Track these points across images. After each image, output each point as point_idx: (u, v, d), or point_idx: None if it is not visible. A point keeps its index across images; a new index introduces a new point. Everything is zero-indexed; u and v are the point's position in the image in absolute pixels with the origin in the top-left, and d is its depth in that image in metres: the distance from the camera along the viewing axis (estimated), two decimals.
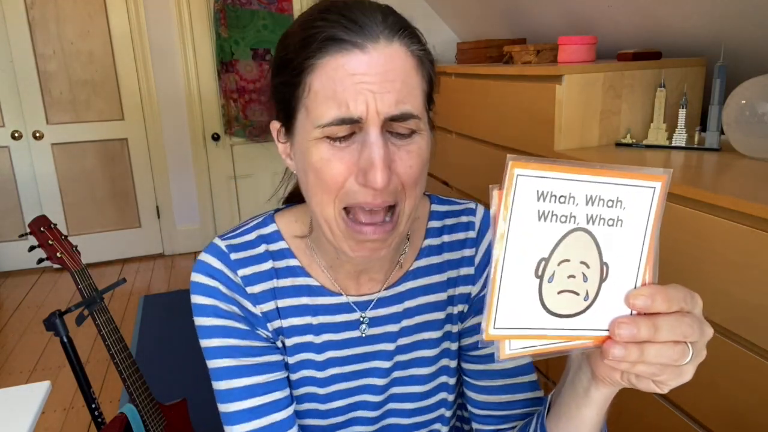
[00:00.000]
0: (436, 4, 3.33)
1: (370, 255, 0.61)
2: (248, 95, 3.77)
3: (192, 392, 1.99)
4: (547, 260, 0.41)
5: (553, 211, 0.41)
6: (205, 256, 0.68)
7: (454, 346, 0.75)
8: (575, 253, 0.42)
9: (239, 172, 3.92)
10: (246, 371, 0.66)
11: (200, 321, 0.66)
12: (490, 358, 0.72)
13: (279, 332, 0.70)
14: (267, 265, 0.69)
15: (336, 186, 0.57)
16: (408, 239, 0.73)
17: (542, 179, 0.40)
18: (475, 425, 0.74)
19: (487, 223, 0.75)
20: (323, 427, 0.74)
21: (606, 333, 0.43)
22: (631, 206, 0.42)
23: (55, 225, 1.44)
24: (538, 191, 0.40)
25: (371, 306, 0.71)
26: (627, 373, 0.45)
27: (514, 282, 0.41)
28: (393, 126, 0.56)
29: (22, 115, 3.48)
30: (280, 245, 0.70)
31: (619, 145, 1.60)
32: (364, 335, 0.72)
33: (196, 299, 0.67)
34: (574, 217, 0.41)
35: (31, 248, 1.42)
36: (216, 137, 3.82)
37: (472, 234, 0.74)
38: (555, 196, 0.41)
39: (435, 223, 0.75)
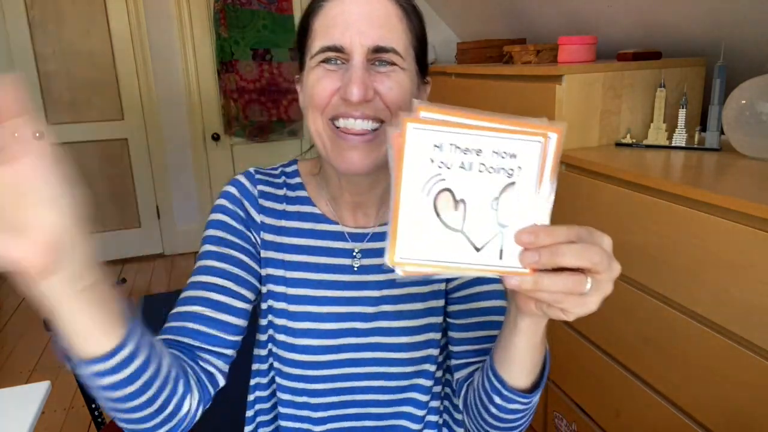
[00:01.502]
0: (436, 4, 3.33)
1: (352, 165, 0.70)
2: (248, 95, 3.77)
3: None
4: (444, 199, 0.46)
5: (447, 160, 0.45)
6: (237, 175, 0.83)
7: (441, 287, 0.82)
8: (471, 195, 0.46)
9: (239, 172, 3.92)
10: (221, 257, 0.76)
11: (210, 216, 0.80)
12: (472, 298, 0.79)
13: (271, 246, 0.80)
14: (281, 191, 0.82)
15: (323, 101, 0.69)
16: None
17: (435, 132, 0.44)
18: (453, 361, 0.80)
19: None
20: (315, 347, 0.79)
21: (502, 268, 0.47)
22: (521, 156, 0.46)
23: None
24: (434, 143, 0.44)
25: (366, 239, 0.80)
26: (538, 302, 0.49)
27: (414, 215, 0.45)
28: (375, 56, 0.68)
29: None
30: (296, 180, 0.84)
31: (619, 145, 1.60)
32: (356, 266, 0.80)
33: (216, 201, 0.81)
34: (471, 163, 0.45)
35: None
36: (216, 137, 3.82)
37: None
38: (450, 145, 0.45)
39: None
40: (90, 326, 0.50)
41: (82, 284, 0.48)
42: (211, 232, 0.78)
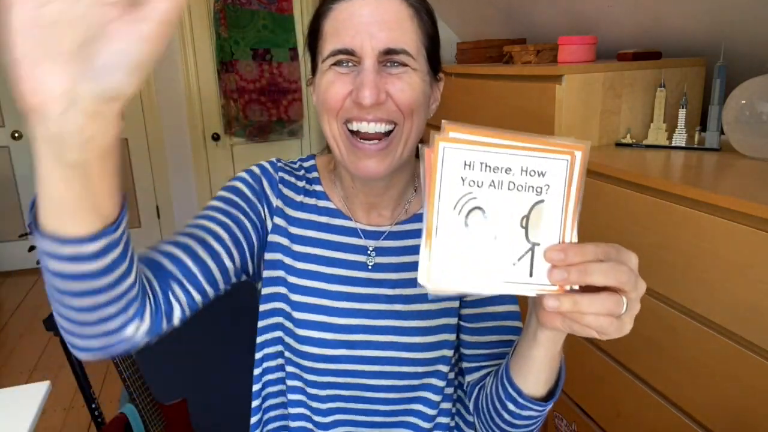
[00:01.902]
0: (436, 4, 3.33)
1: (368, 172, 0.70)
2: (248, 95, 3.77)
3: (192, 392, 1.99)
4: (476, 217, 0.46)
5: (478, 178, 0.46)
6: (261, 161, 0.84)
7: None
8: (501, 213, 0.47)
9: (239, 172, 3.92)
10: (220, 211, 0.75)
11: (228, 183, 0.81)
12: (484, 301, 0.80)
13: (282, 232, 0.80)
14: (301, 183, 0.83)
15: (337, 104, 0.69)
16: (415, 190, 0.83)
17: (466, 151, 0.45)
18: (464, 364, 0.81)
19: None
20: (328, 340, 0.79)
21: (531, 285, 0.48)
22: (550, 174, 0.47)
23: None
24: (465, 161, 0.45)
25: (382, 237, 0.81)
26: (567, 321, 0.49)
27: (447, 235, 0.46)
28: (386, 59, 0.68)
29: (22, 115, 3.47)
30: (314, 174, 0.85)
31: (619, 145, 1.60)
32: (369, 263, 0.80)
33: (238, 174, 0.82)
34: (501, 182, 0.46)
35: (31, 248, 1.42)
36: (216, 137, 3.82)
37: None
38: (481, 164, 0.46)
39: None
40: (84, 199, 0.44)
41: (100, 150, 0.41)
42: (223, 193, 0.79)
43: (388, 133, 0.69)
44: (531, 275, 0.47)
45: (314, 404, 0.82)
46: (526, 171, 0.46)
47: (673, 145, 1.53)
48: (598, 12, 2.03)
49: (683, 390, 1.22)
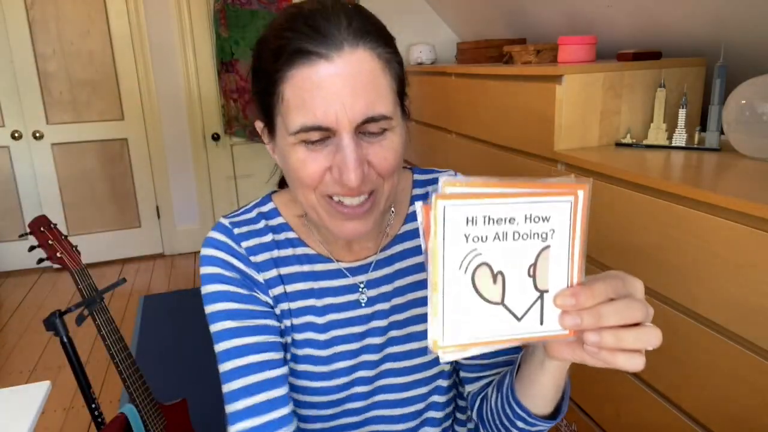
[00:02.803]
0: (436, 4, 3.33)
1: (354, 233, 0.66)
2: (248, 95, 3.76)
3: (192, 392, 1.99)
4: (482, 274, 0.45)
5: (481, 233, 0.44)
6: (211, 233, 0.74)
7: None
8: (508, 265, 0.45)
9: (239, 172, 3.92)
10: (245, 332, 0.70)
11: (206, 289, 0.71)
12: None
13: (281, 298, 0.74)
14: (267, 238, 0.75)
15: (314, 182, 0.63)
16: (393, 210, 0.79)
17: (468, 206, 0.43)
18: (463, 374, 0.80)
19: None
20: (328, 387, 0.76)
21: (544, 333, 0.47)
22: (554, 218, 0.45)
23: (55, 225, 1.44)
24: (467, 217, 0.43)
25: (370, 269, 0.77)
26: (577, 351, 0.48)
27: (455, 297, 0.44)
28: (365, 127, 0.60)
29: (22, 115, 3.48)
30: (279, 220, 0.77)
31: (619, 145, 1.60)
32: (362, 301, 0.76)
33: (203, 270, 0.72)
34: (505, 233, 0.44)
35: (31, 248, 1.42)
36: (216, 137, 3.82)
37: None
38: (483, 218, 0.44)
39: (419, 191, 0.81)
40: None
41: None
42: (219, 306, 0.71)
43: (370, 194, 0.65)
44: (542, 323, 0.46)
45: None
46: (530, 218, 0.44)
47: (673, 145, 1.53)
48: (598, 12, 2.03)
49: (683, 390, 1.22)
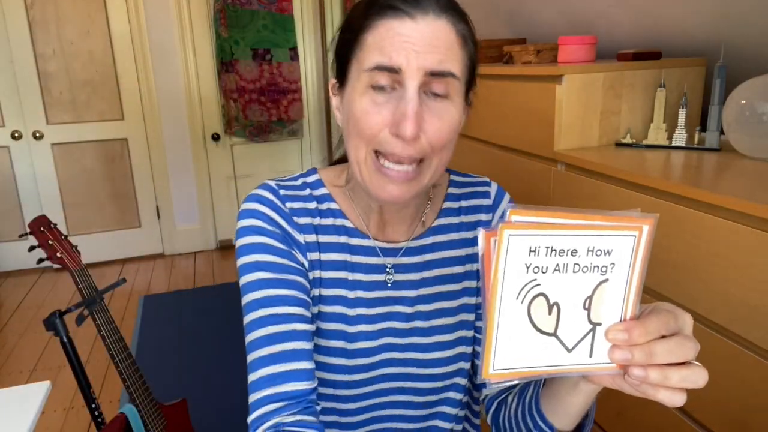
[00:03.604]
0: None
1: (393, 197, 0.67)
2: (248, 95, 3.77)
3: (192, 392, 2.00)
4: (538, 304, 0.45)
5: (542, 264, 0.44)
6: (257, 191, 0.76)
7: (472, 301, 0.81)
8: (564, 297, 0.45)
9: (239, 172, 3.92)
10: (278, 284, 0.70)
11: (242, 240, 0.72)
12: None
13: (316, 265, 0.75)
14: (311, 205, 0.77)
15: (372, 135, 0.65)
16: (429, 201, 0.81)
17: (533, 237, 0.43)
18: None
19: (500, 195, 0.85)
20: (349, 366, 0.76)
21: (592, 366, 0.47)
22: (616, 252, 0.45)
23: (55, 225, 1.44)
24: (530, 248, 0.43)
25: (399, 254, 0.78)
26: (618, 381, 0.49)
27: (509, 326, 0.44)
28: (431, 85, 0.63)
29: (22, 115, 3.48)
30: (322, 191, 0.79)
31: (619, 145, 1.60)
32: (388, 282, 0.78)
33: (243, 222, 0.73)
34: (566, 265, 0.44)
35: (31, 248, 1.42)
36: (216, 137, 3.82)
37: (487, 202, 0.84)
38: (546, 249, 0.44)
39: (454, 190, 0.84)
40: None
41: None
42: (255, 257, 0.71)
43: (418, 163, 0.67)
44: (591, 355, 0.46)
45: (335, 431, 0.81)
46: (593, 251, 0.44)
47: (673, 145, 1.53)
48: (598, 12, 2.03)
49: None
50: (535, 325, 0.45)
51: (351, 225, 0.78)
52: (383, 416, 0.81)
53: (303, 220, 0.75)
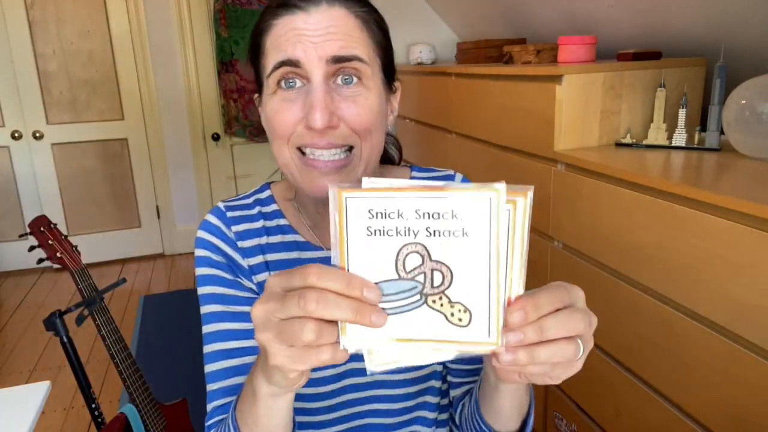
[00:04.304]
0: (436, 4, 3.33)
1: (325, 191, 0.64)
2: (248, 95, 3.76)
3: (192, 392, 1.99)
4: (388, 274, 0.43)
5: (385, 227, 0.42)
6: (207, 216, 0.77)
7: None
8: (416, 264, 0.43)
9: (239, 172, 3.92)
10: (229, 317, 0.72)
11: (198, 271, 0.74)
12: None
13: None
14: (258, 224, 0.77)
15: (287, 131, 0.64)
16: None
17: (370, 199, 0.42)
18: (449, 377, 0.80)
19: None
20: (316, 379, 0.76)
21: (469, 341, 0.43)
22: (467, 217, 0.41)
23: (55, 225, 1.44)
24: (369, 210, 0.42)
25: None
26: (522, 373, 0.46)
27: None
28: (338, 73, 0.62)
29: (22, 115, 3.48)
30: (272, 207, 0.78)
31: (619, 145, 1.60)
32: None
33: (197, 252, 0.75)
34: (410, 230, 0.42)
35: (31, 248, 1.42)
36: (216, 137, 3.82)
37: None
38: (384, 213, 0.42)
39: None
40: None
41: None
42: (208, 289, 0.73)
43: (348, 150, 0.65)
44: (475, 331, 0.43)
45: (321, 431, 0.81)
46: (439, 215, 0.41)
47: (673, 145, 1.53)
48: (598, 12, 2.03)
49: (683, 390, 1.22)
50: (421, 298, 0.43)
51: (302, 239, 0.76)
52: (361, 425, 0.79)
53: (248, 243, 0.75)
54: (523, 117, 1.75)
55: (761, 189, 1.09)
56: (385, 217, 0.42)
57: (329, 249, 0.73)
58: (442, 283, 0.43)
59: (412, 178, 0.82)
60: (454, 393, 0.79)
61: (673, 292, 1.22)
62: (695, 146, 1.50)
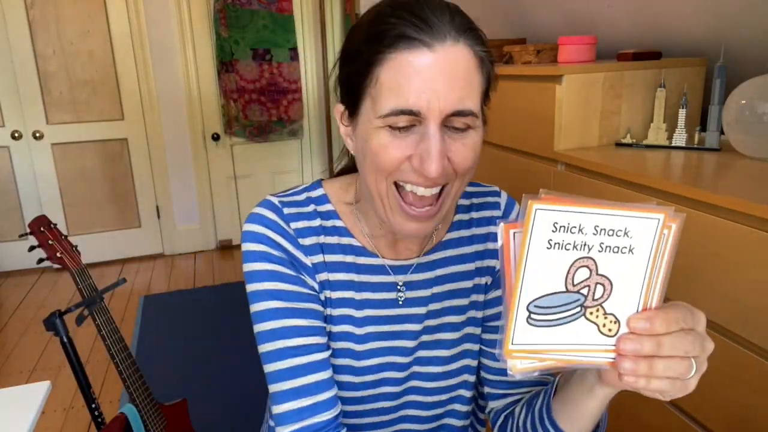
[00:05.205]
0: None
1: (416, 232, 0.66)
2: (248, 95, 3.76)
3: (192, 392, 1.99)
4: (558, 285, 0.46)
5: (564, 241, 0.45)
6: (259, 209, 0.73)
7: (479, 315, 0.80)
8: (584, 278, 0.46)
9: (239, 172, 3.92)
10: (292, 313, 0.69)
11: (250, 266, 0.70)
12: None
13: (325, 285, 0.74)
14: (316, 222, 0.74)
15: (391, 168, 0.63)
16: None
17: (557, 212, 0.44)
18: (487, 389, 0.80)
19: (510, 206, 0.83)
20: (355, 384, 0.76)
21: (612, 349, 0.47)
22: (637, 236, 0.46)
23: (55, 225, 1.44)
24: (554, 224, 0.44)
25: (410, 271, 0.76)
26: (630, 379, 0.48)
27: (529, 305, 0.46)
28: (451, 120, 0.61)
29: (22, 115, 3.48)
30: (327, 207, 0.75)
31: (619, 145, 1.60)
32: (400, 299, 0.76)
33: (249, 246, 0.70)
34: (585, 245, 0.45)
35: (31, 248, 1.42)
36: (216, 137, 3.82)
37: (497, 213, 0.82)
38: (567, 227, 0.44)
39: (464, 201, 0.82)
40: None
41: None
42: (265, 285, 0.69)
43: (439, 192, 0.65)
44: (600, 340, 0.47)
45: None
46: (614, 232, 0.45)
47: (673, 145, 1.53)
48: (598, 12, 2.03)
49: None
50: (556, 308, 0.46)
51: (358, 243, 0.75)
52: (390, 431, 0.80)
53: (308, 241, 0.73)
54: (523, 117, 1.75)
55: (761, 189, 1.09)
56: (567, 231, 0.45)
57: (384, 257, 0.76)
58: (602, 296, 0.46)
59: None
60: (495, 405, 0.79)
61: (673, 292, 1.22)
62: (695, 146, 1.50)
